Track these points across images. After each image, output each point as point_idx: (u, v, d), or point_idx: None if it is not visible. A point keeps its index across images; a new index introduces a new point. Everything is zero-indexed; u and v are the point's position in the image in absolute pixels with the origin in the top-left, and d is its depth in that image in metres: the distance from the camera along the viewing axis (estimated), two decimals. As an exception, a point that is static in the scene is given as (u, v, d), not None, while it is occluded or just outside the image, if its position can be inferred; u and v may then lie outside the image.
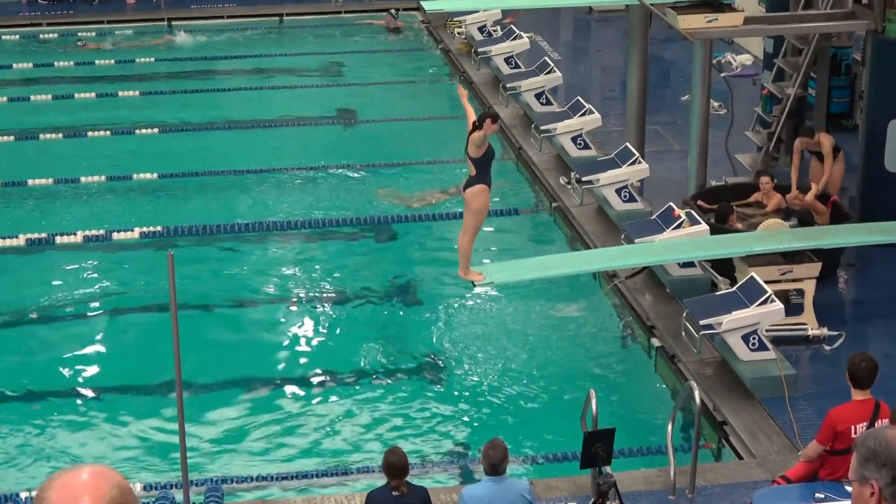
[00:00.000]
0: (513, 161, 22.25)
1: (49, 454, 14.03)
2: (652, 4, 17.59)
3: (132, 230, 19.47)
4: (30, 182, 21.54)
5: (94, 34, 31.19)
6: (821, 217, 17.15)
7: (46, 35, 31.21)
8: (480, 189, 14.14)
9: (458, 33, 28.85)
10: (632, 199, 18.49)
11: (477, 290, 15.14)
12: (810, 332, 15.21)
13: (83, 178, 21.71)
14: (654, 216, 16.82)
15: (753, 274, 14.54)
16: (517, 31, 25.38)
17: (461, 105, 15.66)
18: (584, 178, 19.00)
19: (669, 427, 12.46)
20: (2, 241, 19.12)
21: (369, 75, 28.05)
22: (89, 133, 24.14)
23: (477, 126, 14.03)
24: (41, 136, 23.97)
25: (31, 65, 28.69)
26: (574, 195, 19.63)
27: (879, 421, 11.04)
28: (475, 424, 14.61)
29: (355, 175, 22.28)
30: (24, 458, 13.89)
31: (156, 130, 24.22)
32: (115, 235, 19.40)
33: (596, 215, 19.05)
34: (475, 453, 13.34)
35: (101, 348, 16.58)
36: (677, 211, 16.33)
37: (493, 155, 14.38)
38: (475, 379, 15.52)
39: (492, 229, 19.10)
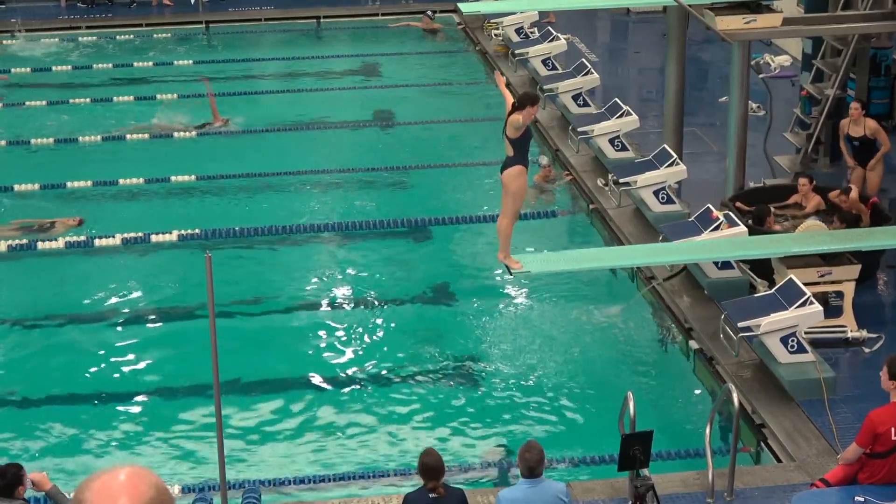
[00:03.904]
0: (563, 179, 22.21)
1: (86, 455, 14.10)
2: (690, 5, 17.53)
3: (170, 232, 19.54)
4: (68, 184, 21.67)
5: (132, 37, 31.43)
6: (862, 219, 17.05)
7: (85, 38, 31.38)
8: (518, 171, 13.92)
9: (496, 35, 28.85)
10: (669, 201, 18.43)
11: (513, 277, 14.98)
12: (849, 335, 15.12)
13: (121, 181, 21.81)
14: (692, 218, 16.76)
15: (792, 276, 14.47)
16: (554, 33, 25.35)
17: (499, 101, 15.53)
18: (621, 180, 18.94)
19: (707, 430, 12.40)
20: (41, 244, 19.23)
21: (406, 77, 28.07)
22: (128, 136, 24.28)
23: (517, 107, 13.81)
24: (80, 138, 24.09)
25: (69, 68, 28.87)
26: (611, 197, 19.59)
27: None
28: (512, 426, 14.59)
29: (392, 177, 22.30)
30: (61, 458, 13.94)
31: (193, 133, 24.32)
32: (154, 237, 19.47)
33: (633, 217, 19.00)
34: (512, 455, 13.32)
35: (138, 350, 16.63)
36: (715, 213, 16.26)
37: (530, 135, 14.16)
38: (512, 380, 15.51)
39: (529, 231, 19.08)
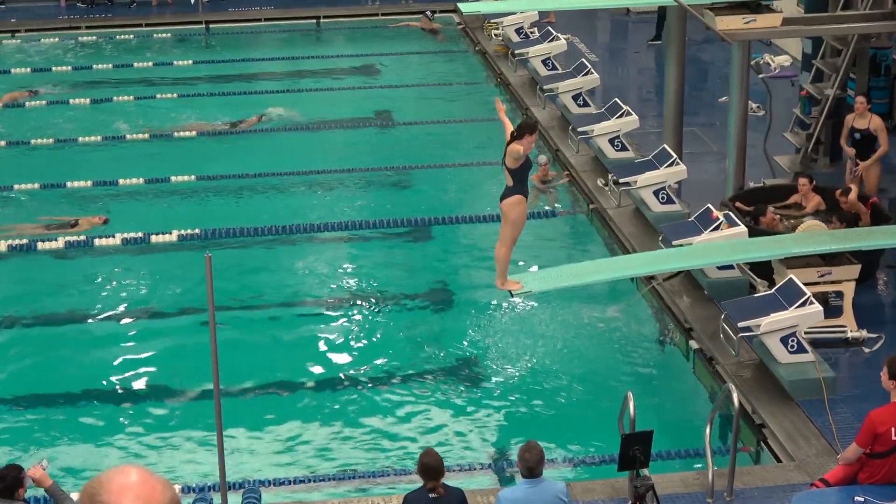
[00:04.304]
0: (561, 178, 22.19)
1: (85, 455, 14.09)
2: (689, 5, 17.53)
3: (170, 232, 19.54)
4: (68, 184, 21.66)
5: (132, 37, 31.48)
6: (862, 218, 17.05)
7: (85, 38, 31.39)
8: (518, 200, 14.07)
9: (496, 35, 28.85)
10: (669, 201, 18.43)
11: (515, 297, 15.11)
12: (849, 335, 15.11)
13: (121, 181, 21.81)
14: (691, 218, 16.76)
15: (792, 276, 14.47)
16: (554, 33, 25.36)
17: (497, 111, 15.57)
18: (621, 180, 18.94)
19: (707, 430, 12.39)
20: (41, 244, 19.23)
21: (406, 77, 28.08)
22: (127, 136, 24.28)
23: (515, 136, 13.89)
24: (80, 139, 24.10)
25: (69, 68, 28.87)
26: (611, 197, 19.59)
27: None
28: (512, 426, 14.59)
29: (392, 177, 22.30)
30: (60, 458, 13.93)
31: (193, 133, 24.32)
32: (153, 238, 19.47)
33: (633, 217, 19.00)
34: (512, 455, 13.32)
35: (138, 350, 16.63)
36: (715, 213, 16.26)
37: (529, 166, 14.32)
38: (512, 381, 15.51)
39: (529, 231, 19.06)
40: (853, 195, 17.22)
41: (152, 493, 3.76)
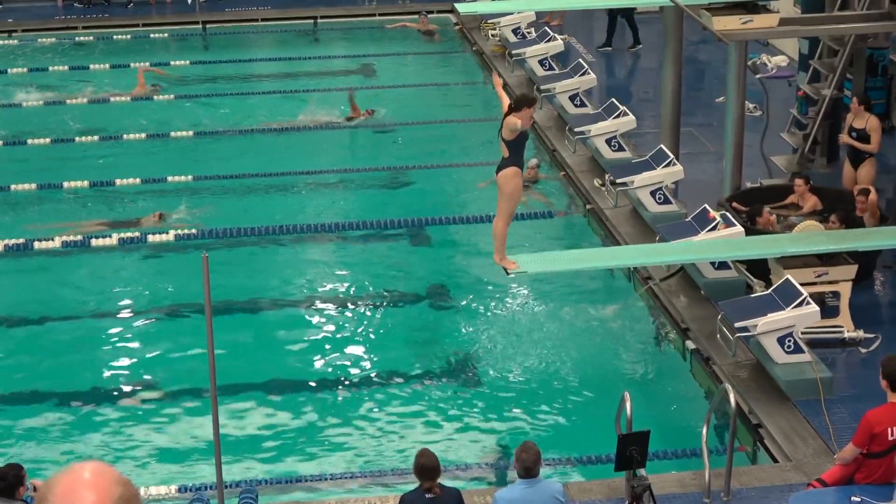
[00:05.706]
0: (549, 163, 22.18)
1: (83, 455, 14.06)
2: (687, 6, 17.53)
3: (167, 232, 19.54)
4: (65, 185, 21.65)
5: (128, 36, 31.45)
6: (871, 220, 16.99)
7: (82, 38, 31.38)
8: (513, 172, 13.89)
9: (492, 35, 28.86)
10: (666, 201, 18.42)
11: (510, 278, 15.00)
12: (846, 335, 15.12)
13: (118, 181, 21.80)
14: (688, 218, 16.76)
15: (789, 276, 14.47)
16: (551, 33, 25.36)
17: (496, 101, 15.48)
18: (618, 180, 18.94)
19: (704, 430, 12.40)
20: (38, 244, 19.22)
21: (403, 78, 28.07)
22: (124, 136, 24.26)
23: (513, 108, 13.76)
24: (76, 139, 24.09)
25: (66, 67, 28.85)
26: (608, 197, 19.59)
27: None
28: (508, 426, 14.58)
29: (390, 177, 22.29)
30: (57, 458, 13.92)
31: (190, 133, 24.30)
32: (150, 238, 19.46)
33: (630, 217, 19.00)
34: (509, 456, 13.31)
35: (134, 350, 16.62)
36: (712, 213, 16.26)
37: (526, 137, 14.11)
38: (508, 381, 15.50)
39: (527, 231, 19.07)
40: (874, 195, 17.15)
41: (102, 494, 3.59)
